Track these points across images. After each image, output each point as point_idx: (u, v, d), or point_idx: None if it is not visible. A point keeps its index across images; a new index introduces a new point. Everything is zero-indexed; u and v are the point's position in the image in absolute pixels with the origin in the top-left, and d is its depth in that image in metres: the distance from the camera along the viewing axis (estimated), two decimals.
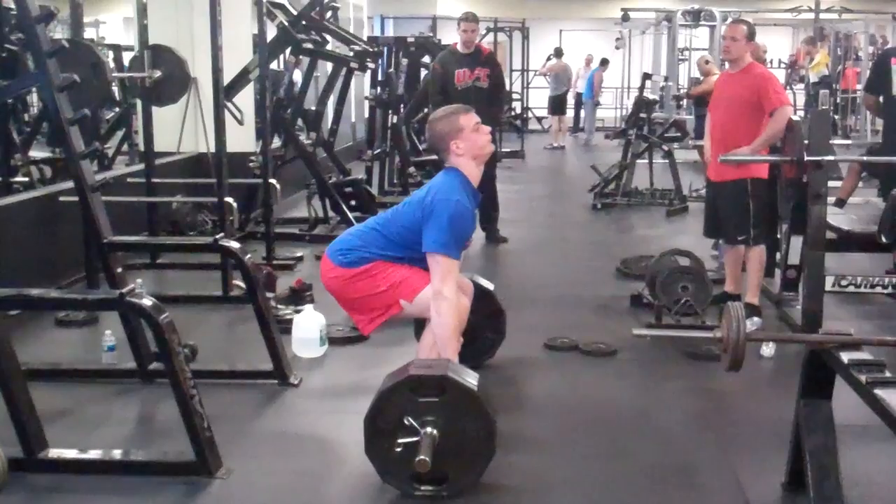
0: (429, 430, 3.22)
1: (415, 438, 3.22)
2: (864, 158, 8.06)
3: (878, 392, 2.53)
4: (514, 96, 19.39)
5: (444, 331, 3.79)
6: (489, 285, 4.76)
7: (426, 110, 9.42)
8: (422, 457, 3.14)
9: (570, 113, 18.98)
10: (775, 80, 5.68)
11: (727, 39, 5.72)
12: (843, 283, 5.59)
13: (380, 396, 3.31)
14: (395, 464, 3.29)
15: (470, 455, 3.31)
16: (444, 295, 3.78)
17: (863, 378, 2.54)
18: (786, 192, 5.72)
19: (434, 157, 4.23)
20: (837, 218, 6.17)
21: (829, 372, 2.78)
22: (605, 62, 19.01)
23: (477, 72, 7.66)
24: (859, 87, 16.54)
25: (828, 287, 5.35)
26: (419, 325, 4.42)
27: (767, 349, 4.97)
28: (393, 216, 4.06)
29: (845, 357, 2.67)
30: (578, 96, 18.81)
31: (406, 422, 3.24)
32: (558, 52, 18.76)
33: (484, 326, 4.64)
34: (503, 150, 15.13)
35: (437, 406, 3.27)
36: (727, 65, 5.85)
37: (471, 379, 3.36)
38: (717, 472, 3.68)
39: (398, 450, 3.24)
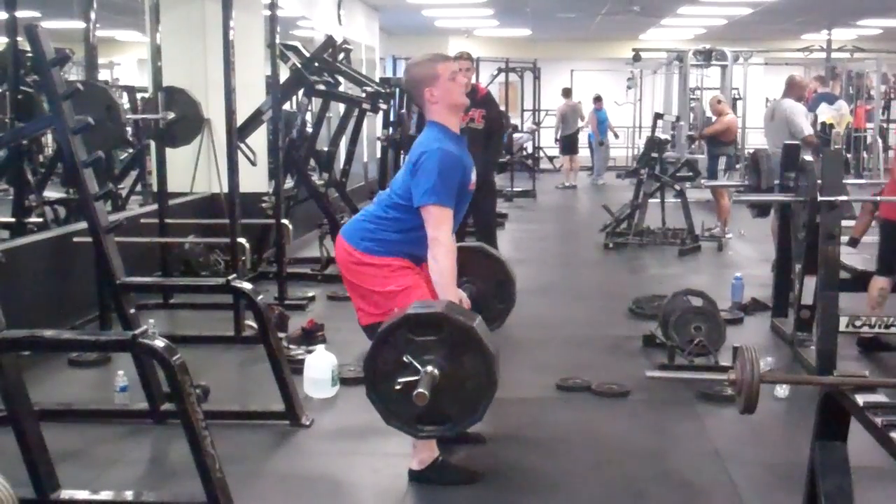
0: (429, 368, 3.19)
1: (415, 378, 3.18)
2: (878, 198, 8.02)
3: (895, 435, 2.51)
4: (526, 136, 19.43)
5: (442, 276, 3.66)
6: (498, 254, 4.68)
7: None
8: (420, 390, 3.12)
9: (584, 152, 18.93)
10: None
11: None
12: (858, 323, 5.56)
13: (378, 337, 3.28)
14: (398, 405, 3.26)
15: (471, 393, 3.27)
16: (439, 240, 3.64)
17: (878, 421, 2.52)
18: (798, 231, 5.75)
19: None
20: (851, 257, 6.16)
21: (844, 414, 2.75)
22: (597, 100, 18.56)
23: (472, 113, 7.32)
24: (870, 125, 16.54)
25: (842, 327, 5.33)
26: None
27: (782, 390, 4.93)
28: (391, 189, 3.90)
29: (861, 399, 2.64)
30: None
31: (405, 360, 3.21)
32: (566, 93, 18.76)
33: (492, 294, 4.55)
34: (515, 189, 15.18)
35: (435, 344, 3.24)
36: None
37: (469, 317, 3.32)
38: None
39: (398, 388, 3.21)
